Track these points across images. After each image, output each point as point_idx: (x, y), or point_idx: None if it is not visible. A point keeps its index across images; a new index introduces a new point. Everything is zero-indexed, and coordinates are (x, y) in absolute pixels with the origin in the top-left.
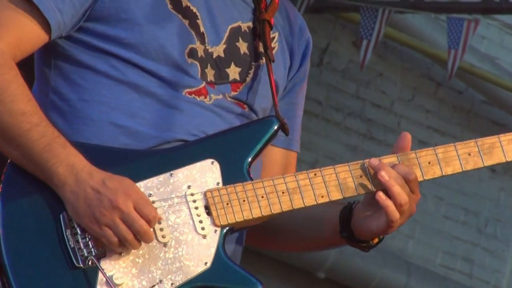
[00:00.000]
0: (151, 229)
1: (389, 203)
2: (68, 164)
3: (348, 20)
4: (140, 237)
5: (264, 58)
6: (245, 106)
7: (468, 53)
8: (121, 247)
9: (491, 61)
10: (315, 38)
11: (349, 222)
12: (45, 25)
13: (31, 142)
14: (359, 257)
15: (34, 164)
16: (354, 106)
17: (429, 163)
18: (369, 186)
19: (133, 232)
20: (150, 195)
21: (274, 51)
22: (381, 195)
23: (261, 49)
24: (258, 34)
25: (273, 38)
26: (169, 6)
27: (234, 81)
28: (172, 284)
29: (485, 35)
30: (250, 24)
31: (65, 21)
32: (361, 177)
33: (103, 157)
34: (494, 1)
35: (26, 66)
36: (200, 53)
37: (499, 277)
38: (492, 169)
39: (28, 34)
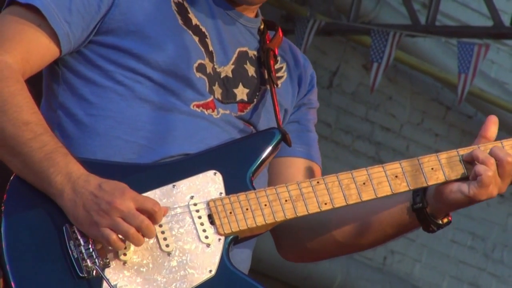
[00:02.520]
0: (154, 225)
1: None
2: (66, 172)
3: (358, 43)
4: (142, 232)
5: (269, 84)
6: (251, 126)
7: (478, 77)
8: (120, 244)
9: (501, 86)
10: (325, 60)
11: (425, 192)
12: (54, 37)
13: (32, 150)
14: (365, 280)
15: (34, 173)
16: (363, 129)
17: (432, 169)
18: (372, 192)
19: (135, 228)
20: None
21: (282, 80)
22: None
23: (267, 76)
24: (263, 62)
25: (281, 68)
26: (180, 21)
27: (242, 101)
28: None
29: (495, 60)
30: (256, 52)
31: (74, 33)
32: (364, 184)
33: (106, 172)
34: (505, 26)
35: (34, 83)
36: (209, 70)
37: None
38: (500, 194)
39: (37, 48)
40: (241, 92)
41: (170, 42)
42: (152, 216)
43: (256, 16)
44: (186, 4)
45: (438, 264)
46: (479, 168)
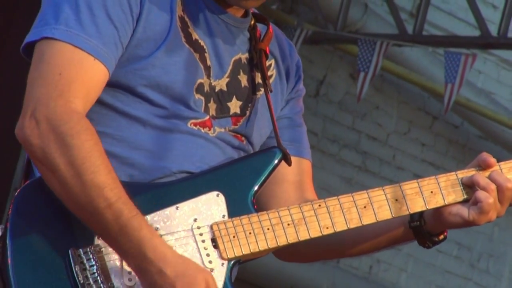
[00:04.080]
0: None
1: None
2: (140, 253)
3: (345, 52)
4: None
5: (262, 89)
6: (243, 138)
7: (465, 87)
8: None
9: (487, 96)
10: (312, 69)
11: (423, 211)
12: (106, 72)
13: (106, 222)
14: None
15: (110, 241)
16: (349, 138)
17: (432, 192)
18: (372, 216)
19: None
20: (157, 228)
21: (272, 80)
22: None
23: (259, 79)
24: (255, 64)
25: (270, 65)
26: (183, 39)
27: (235, 114)
28: None
29: (482, 70)
30: (247, 54)
31: (114, 65)
32: (365, 207)
33: None
34: (492, 36)
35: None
36: (206, 87)
37: None
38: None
39: (96, 87)
40: (235, 105)
41: (174, 66)
42: None
43: (247, 14)
44: (186, 18)
45: (424, 273)
46: (480, 195)
